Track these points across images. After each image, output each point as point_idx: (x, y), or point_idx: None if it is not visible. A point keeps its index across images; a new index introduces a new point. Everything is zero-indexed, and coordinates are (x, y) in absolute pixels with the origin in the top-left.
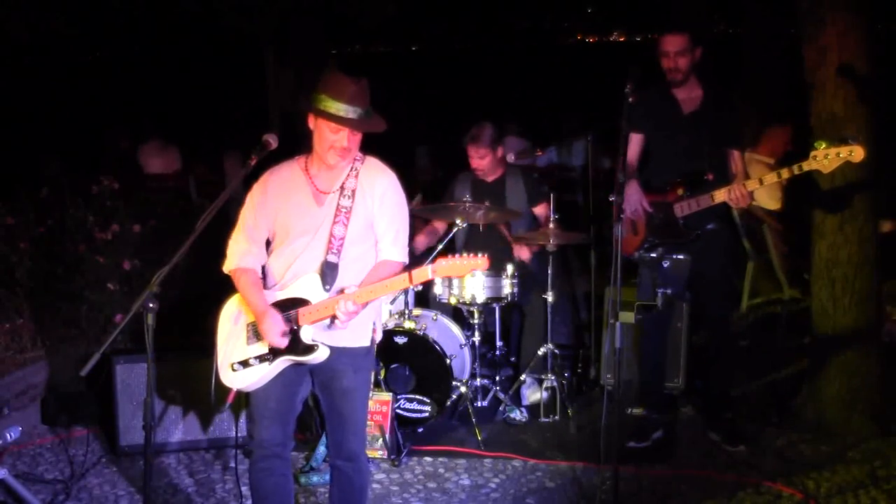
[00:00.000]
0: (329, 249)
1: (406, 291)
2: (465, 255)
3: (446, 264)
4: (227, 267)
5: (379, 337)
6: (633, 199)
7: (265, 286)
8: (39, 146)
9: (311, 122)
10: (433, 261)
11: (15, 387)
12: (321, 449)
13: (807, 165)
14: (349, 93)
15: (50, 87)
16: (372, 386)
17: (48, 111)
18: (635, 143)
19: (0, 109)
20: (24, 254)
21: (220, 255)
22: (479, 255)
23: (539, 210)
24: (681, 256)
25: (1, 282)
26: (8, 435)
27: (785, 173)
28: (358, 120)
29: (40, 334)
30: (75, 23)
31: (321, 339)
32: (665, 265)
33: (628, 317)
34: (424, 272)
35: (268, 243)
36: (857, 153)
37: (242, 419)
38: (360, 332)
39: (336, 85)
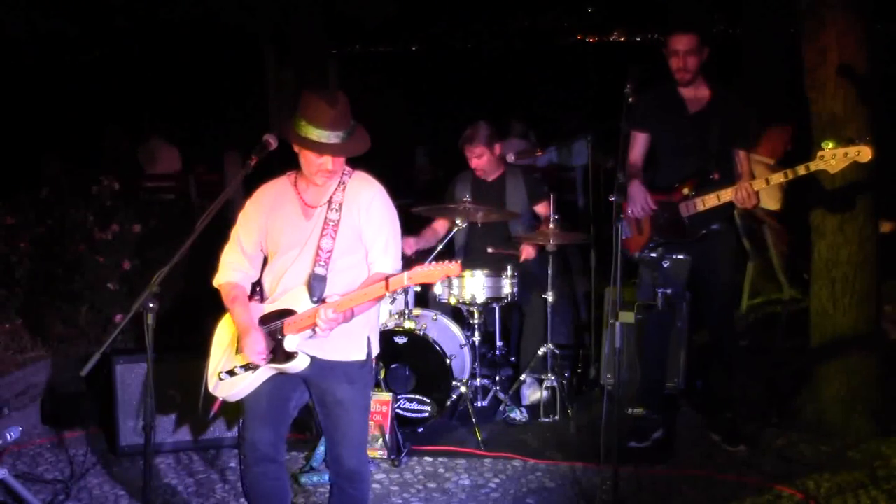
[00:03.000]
0: (317, 262)
1: (406, 291)
2: (438, 262)
3: (421, 272)
4: (217, 281)
5: (376, 351)
6: (639, 198)
7: (261, 301)
8: (39, 146)
9: (296, 146)
10: (410, 268)
11: (15, 387)
12: (321, 449)
13: (814, 165)
14: (328, 119)
15: (50, 86)
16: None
17: (48, 111)
18: (640, 142)
19: (0, 109)
20: (24, 254)
21: (219, 257)
22: (452, 261)
23: (540, 209)
24: (681, 256)
25: (1, 282)
26: (8, 435)
27: (791, 173)
28: (340, 145)
29: (40, 334)
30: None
31: (311, 352)
32: (665, 265)
33: (628, 317)
34: (400, 279)
35: (264, 262)
36: (864, 153)
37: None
38: (352, 347)
39: (315, 111)
